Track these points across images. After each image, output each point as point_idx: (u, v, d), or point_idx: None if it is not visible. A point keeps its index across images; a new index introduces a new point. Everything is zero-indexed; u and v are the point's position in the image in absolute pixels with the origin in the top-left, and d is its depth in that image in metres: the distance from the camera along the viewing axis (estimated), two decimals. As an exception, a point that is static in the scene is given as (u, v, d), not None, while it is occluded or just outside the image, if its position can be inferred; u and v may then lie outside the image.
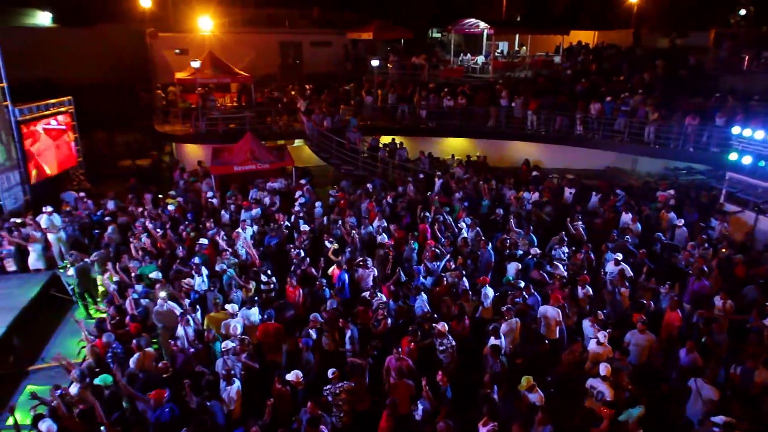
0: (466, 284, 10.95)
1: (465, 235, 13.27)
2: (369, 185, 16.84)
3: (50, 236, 13.74)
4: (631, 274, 11.06)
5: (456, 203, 15.64)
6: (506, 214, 14.78)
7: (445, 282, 11.19)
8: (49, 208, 13.88)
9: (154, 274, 11.09)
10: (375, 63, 21.51)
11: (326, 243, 12.72)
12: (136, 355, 8.58)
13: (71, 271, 12.52)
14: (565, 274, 11.28)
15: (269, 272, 11.30)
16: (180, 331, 9.40)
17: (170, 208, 14.85)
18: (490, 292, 10.56)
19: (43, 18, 29.50)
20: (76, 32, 26.18)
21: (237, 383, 7.96)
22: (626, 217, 13.96)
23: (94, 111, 24.17)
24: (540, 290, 10.64)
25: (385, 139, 20.37)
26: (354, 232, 13.11)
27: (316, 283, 10.84)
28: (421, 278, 11.42)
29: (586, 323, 9.54)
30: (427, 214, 14.16)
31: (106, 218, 14.80)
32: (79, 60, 24.96)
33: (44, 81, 22.86)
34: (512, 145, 21.44)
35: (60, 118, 17.92)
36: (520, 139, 20.99)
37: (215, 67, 20.80)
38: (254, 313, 9.86)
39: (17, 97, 17.26)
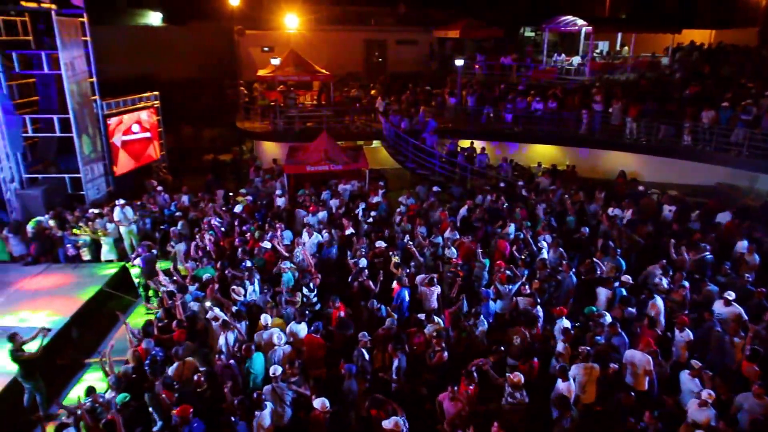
0: (540, 313, 9.66)
1: (544, 255, 11.87)
2: (433, 189, 15.78)
3: (122, 229, 13.94)
4: (746, 318, 9.21)
5: (538, 217, 14.21)
6: (594, 232, 13.18)
7: (516, 307, 10.01)
8: (122, 201, 14.11)
9: (207, 277, 10.75)
10: (459, 62, 20.32)
11: (390, 254, 11.88)
12: (175, 365, 8.16)
13: (139, 262, 12.57)
14: (662, 309, 9.64)
15: (311, 285, 10.56)
16: (222, 340, 8.90)
17: (238, 207, 14.63)
18: (566, 323, 9.17)
19: (154, 18, 31.05)
20: (172, 30, 27.26)
21: (269, 407, 7.29)
22: (740, 245, 11.90)
23: (184, 106, 25.06)
24: (628, 329, 9.10)
25: (465, 143, 19.15)
26: (426, 246, 12.13)
27: (372, 300, 9.97)
28: (490, 301, 10.22)
29: (685, 376, 7.93)
30: (508, 229, 12.90)
31: (177, 213, 14.87)
32: (174, 57, 25.89)
33: (143, 77, 23.84)
34: (606, 155, 19.41)
35: (145, 112, 18.40)
36: (616, 149, 18.93)
37: (296, 65, 20.60)
38: (302, 329, 9.16)
39: (117, 92, 17.99)
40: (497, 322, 10.22)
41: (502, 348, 8.67)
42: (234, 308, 9.63)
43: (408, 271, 11.13)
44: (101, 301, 12.12)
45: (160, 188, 16.10)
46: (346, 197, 16.30)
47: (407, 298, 10.42)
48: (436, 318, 9.35)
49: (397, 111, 19.98)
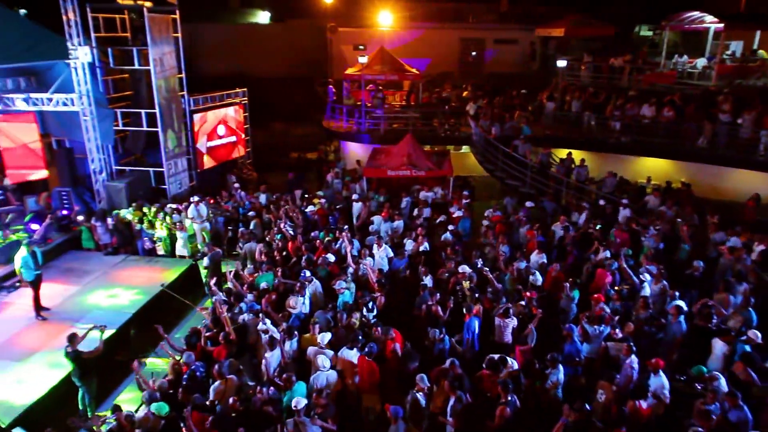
0: (635, 365, 8.01)
1: (647, 291, 10.06)
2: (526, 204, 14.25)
3: (195, 226, 13.86)
4: None
5: (644, 243, 12.27)
6: (711, 267, 11.08)
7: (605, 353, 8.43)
8: (196, 198, 14.04)
9: (264, 286, 10.17)
10: (562, 63, 18.49)
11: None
12: (216, 383, 7.56)
13: (206, 261, 12.36)
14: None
15: (372, 305, 9.57)
16: (269, 356, 8.20)
17: (310, 209, 14.04)
18: (664, 382, 7.49)
19: (263, 17, 31.80)
20: (269, 28, 27.59)
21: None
22: None
23: (276, 103, 25.24)
24: (750, 402, 7.23)
25: (562, 153, 17.32)
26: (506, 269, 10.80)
27: (434, 330, 8.83)
28: (577, 341, 8.68)
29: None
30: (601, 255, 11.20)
31: (250, 213, 14.59)
32: (269, 54, 26.18)
33: (238, 74, 24.27)
34: (733, 174, 16.67)
35: (232, 109, 18.47)
36: (746, 167, 16.19)
37: (384, 63, 19.79)
38: (353, 356, 8.24)
39: (211, 88, 18.29)
40: (585, 367, 8.69)
41: (587, 406, 7.20)
42: (284, 324, 8.93)
43: (482, 296, 9.87)
44: (165, 298, 12.01)
45: (236, 185, 15.95)
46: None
47: (477, 329, 9.18)
48: (509, 360, 8.03)
49: (489, 115, 18.54)
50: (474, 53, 26.64)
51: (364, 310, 9.61)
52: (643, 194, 15.46)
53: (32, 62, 13.76)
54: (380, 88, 21.48)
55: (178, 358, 8.40)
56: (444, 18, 26.55)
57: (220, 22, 27.94)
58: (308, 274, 10.47)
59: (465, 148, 20.24)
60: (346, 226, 12.86)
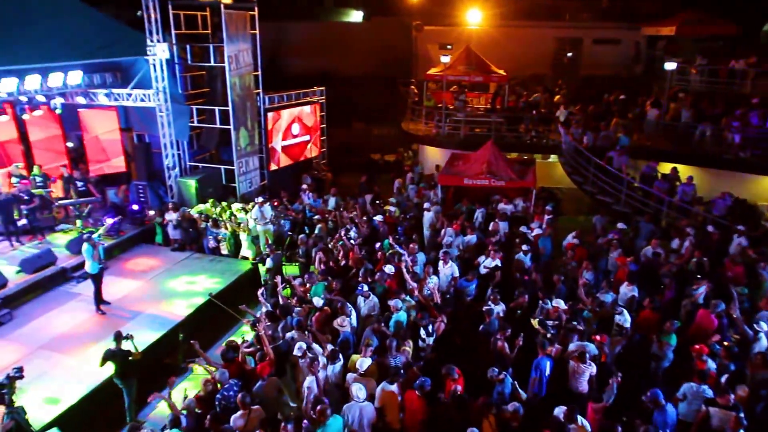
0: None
1: (763, 343, 8.24)
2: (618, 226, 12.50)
3: (258, 227, 13.50)
4: None
5: (762, 280, 10.29)
6: None
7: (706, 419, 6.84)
8: (260, 199, 13.67)
9: (316, 300, 9.43)
10: (671, 66, 16.33)
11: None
12: (238, 413, 6.89)
13: (269, 263, 11.90)
14: None
15: (431, 329, 8.52)
16: (307, 382, 7.43)
17: (377, 217, 13.19)
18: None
19: (356, 16, 31.56)
20: (355, 26, 27.15)
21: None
22: None
23: (358, 102, 24.77)
24: None
25: (665, 168, 15.24)
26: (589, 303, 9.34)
27: (492, 369, 7.63)
28: (668, 409, 7.12)
29: None
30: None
31: (316, 217, 14.03)
32: (354, 52, 25.74)
33: (321, 72, 24.05)
34: None
35: (308, 107, 18.08)
36: None
37: (469, 64, 18.59)
38: (394, 389, 7.25)
39: (293, 86, 18.08)
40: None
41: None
42: (330, 346, 8.11)
43: (556, 333, 8.54)
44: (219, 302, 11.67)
45: (304, 186, 15.46)
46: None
47: (548, 371, 7.88)
48: (580, 419, 6.70)
49: (581, 122, 16.78)
50: (570, 54, 24.62)
51: (422, 333, 8.64)
52: (763, 220, 13.19)
53: (117, 58, 13.99)
54: (464, 89, 20.28)
55: (213, 370, 7.85)
56: (538, 16, 24.70)
57: (312, 20, 27.90)
58: (365, 288, 9.66)
59: (553, 157, 18.59)
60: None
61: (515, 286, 10.52)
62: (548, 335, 8.28)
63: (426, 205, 14.15)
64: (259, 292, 9.65)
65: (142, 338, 10.20)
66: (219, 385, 7.46)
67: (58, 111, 13.69)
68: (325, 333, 8.80)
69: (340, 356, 7.97)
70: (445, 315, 9.20)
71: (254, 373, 7.74)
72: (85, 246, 10.88)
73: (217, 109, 14.98)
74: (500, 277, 10.75)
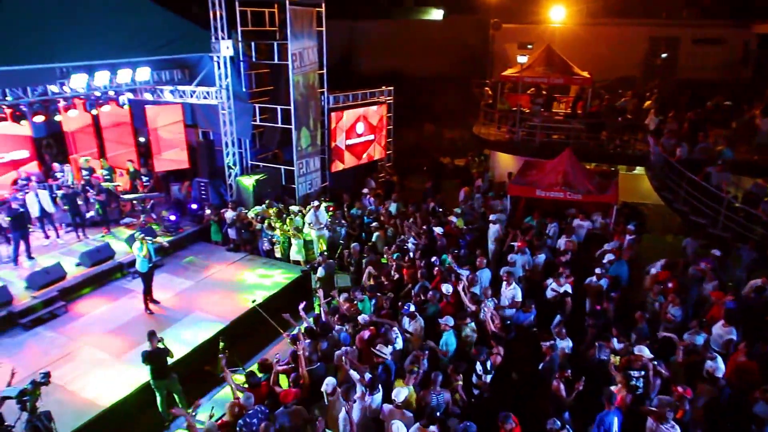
0: None
1: None
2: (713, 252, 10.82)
3: (313, 232, 12.96)
4: None
5: None
6: None
7: None
8: (316, 203, 13.12)
9: (362, 318, 8.68)
10: (788, 69, 14.17)
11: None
12: (254, 446, 6.24)
13: (320, 272, 11.31)
14: None
15: (489, 365, 7.50)
16: (342, 414, 6.68)
17: (437, 229, 12.25)
18: None
19: (436, 14, 30.64)
20: (431, 24, 26.19)
21: None
22: None
23: (429, 103, 23.87)
24: None
25: (775, 188, 13.18)
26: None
27: (553, 419, 6.52)
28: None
29: None
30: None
31: (373, 224, 13.31)
32: (428, 51, 24.81)
33: (392, 71, 23.35)
34: None
35: (375, 108, 17.39)
36: None
37: (549, 65, 17.17)
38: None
39: (363, 86, 17.54)
40: None
41: None
42: (368, 375, 7.32)
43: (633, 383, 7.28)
44: (268, 309, 11.19)
45: (365, 190, 14.75)
46: (580, 237, 12.65)
47: (617, 428, 6.67)
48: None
49: (675, 131, 14.96)
50: (664, 55, 22.35)
51: (478, 366, 7.67)
52: None
53: (183, 54, 13.94)
54: (542, 92, 18.85)
55: (240, 395, 7.27)
56: (630, 13, 22.55)
57: (388, 18, 27.23)
58: (412, 308, 8.81)
59: (638, 170, 16.81)
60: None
61: (586, 316, 9.35)
62: (632, 384, 7.05)
63: (492, 217, 13.02)
64: (300, 306, 8.97)
65: (188, 341, 9.94)
66: (243, 410, 6.87)
67: (125, 106, 13.84)
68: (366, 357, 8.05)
69: (380, 387, 7.16)
70: (502, 346, 8.16)
71: (281, 399, 7.07)
72: (136, 244, 10.76)
73: (279, 108, 14.60)
74: (570, 305, 9.56)
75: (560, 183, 13.57)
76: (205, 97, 13.95)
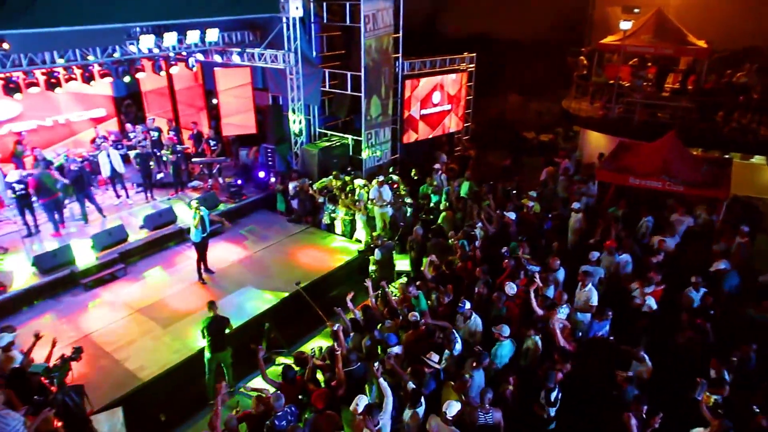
0: None
1: None
2: None
3: (375, 209, 12.17)
4: None
5: None
6: None
7: None
8: (381, 178, 12.26)
9: (412, 316, 7.81)
10: None
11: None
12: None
13: (377, 254, 10.54)
14: None
15: (554, 395, 6.39)
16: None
17: (509, 215, 11.00)
18: None
19: None
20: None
21: None
22: None
23: (515, 72, 22.02)
24: None
25: None
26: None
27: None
28: None
29: None
30: None
31: (442, 204, 12.30)
32: (521, 15, 22.70)
33: (479, 35, 21.66)
34: None
35: (453, 76, 16.05)
36: None
37: (657, 32, 14.93)
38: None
39: (444, 51, 16.27)
40: None
41: None
42: (412, 384, 6.49)
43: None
44: (318, 291, 10.64)
45: (437, 166, 13.66)
46: (678, 235, 10.93)
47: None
48: None
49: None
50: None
51: (542, 396, 6.60)
52: None
53: (252, 15, 13.32)
54: (647, 64, 16.60)
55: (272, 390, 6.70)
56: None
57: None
58: (467, 305, 7.82)
59: (758, 158, 14.43)
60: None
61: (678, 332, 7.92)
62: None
63: (575, 204, 11.51)
64: (348, 297, 8.22)
65: (237, 316, 9.59)
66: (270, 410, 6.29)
67: (194, 68, 13.54)
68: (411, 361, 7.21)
69: (423, 401, 6.31)
70: (569, 362, 7.02)
71: (312, 401, 6.42)
72: (190, 213, 10.47)
73: (348, 74, 13.70)
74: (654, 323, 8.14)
75: (659, 170, 11.75)
76: (272, 61, 13.33)
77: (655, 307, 8.25)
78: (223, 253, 11.89)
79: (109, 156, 12.92)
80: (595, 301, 8.30)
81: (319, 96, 14.21)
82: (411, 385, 6.44)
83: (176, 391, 8.44)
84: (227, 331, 8.18)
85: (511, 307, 8.27)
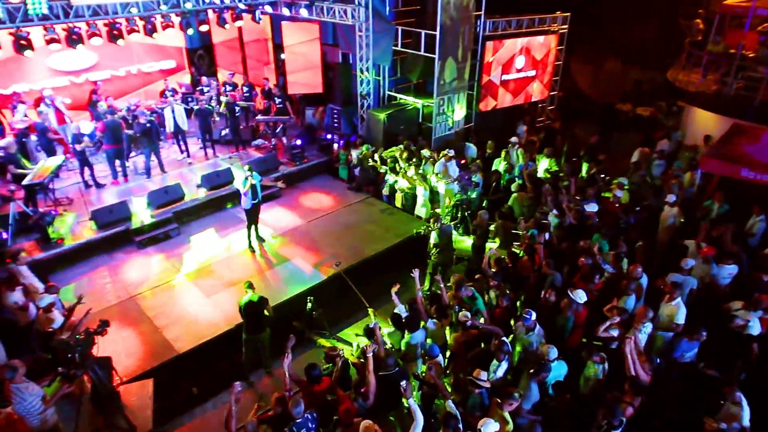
0: None
1: None
2: None
3: (440, 184, 11.16)
4: None
5: None
6: None
7: None
8: (451, 152, 11.16)
9: (464, 315, 6.89)
10: None
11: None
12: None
13: (433, 237, 9.61)
14: None
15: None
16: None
17: (589, 207, 9.60)
18: None
19: None
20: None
21: None
22: None
23: (617, 34, 19.60)
24: None
25: None
26: None
27: None
28: None
29: None
30: None
31: (514, 183, 11.05)
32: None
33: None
34: None
35: (542, 38, 14.31)
36: None
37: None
38: None
39: (530, 9, 14.59)
40: None
41: None
42: (452, 404, 5.66)
43: None
44: (365, 272, 9.93)
45: (514, 139, 12.32)
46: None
47: None
48: None
49: None
50: None
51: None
52: None
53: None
54: (779, 30, 14.00)
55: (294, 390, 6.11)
56: None
57: None
58: (533, 317, 6.79)
59: None
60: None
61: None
62: None
63: (670, 197, 9.89)
64: (393, 289, 7.39)
65: (281, 290, 9.16)
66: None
67: (260, 21, 12.85)
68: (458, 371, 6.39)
69: (459, 425, 5.48)
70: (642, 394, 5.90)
71: (340, 413, 5.75)
72: (240, 178, 9.98)
73: (423, 32, 12.46)
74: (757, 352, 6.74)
75: (783, 163, 9.88)
76: (342, 16, 12.35)
77: (759, 331, 6.87)
78: (276, 218, 11.46)
79: (173, 111, 12.68)
80: (682, 319, 7.00)
81: (391, 56, 13.10)
82: (451, 405, 5.62)
83: (210, 365, 8.15)
84: (266, 313, 7.67)
85: (578, 315, 7.17)
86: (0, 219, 9.72)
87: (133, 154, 12.98)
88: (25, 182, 10.19)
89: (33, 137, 11.95)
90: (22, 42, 9.49)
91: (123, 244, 10.52)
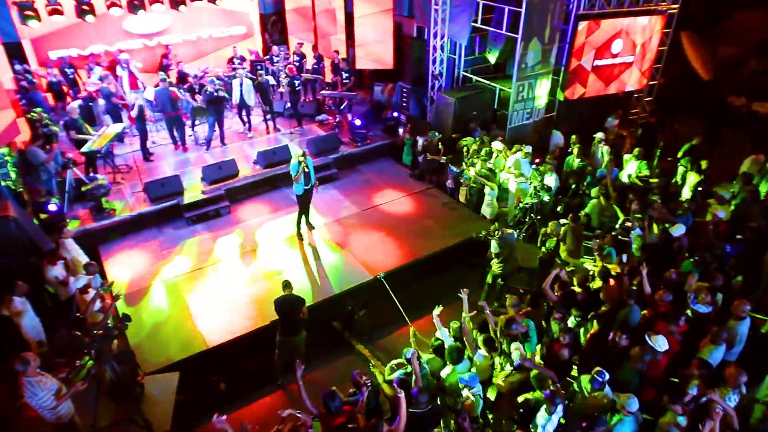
0: None
1: None
2: None
3: (511, 182, 10.07)
4: None
5: None
6: None
7: None
8: (528, 149, 9.99)
9: (515, 356, 5.97)
10: None
11: None
12: None
13: (493, 245, 8.59)
14: None
15: None
16: None
17: (676, 228, 8.14)
18: None
19: None
20: None
21: None
22: None
23: (738, 16, 17.08)
24: None
25: None
26: None
27: None
28: None
29: None
30: None
31: (594, 189, 9.75)
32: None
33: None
34: None
35: (644, 19, 12.45)
36: None
37: None
38: None
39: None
40: None
41: None
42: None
43: None
44: (411, 277, 9.12)
45: (599, 135, 10.89)
46: None
47: None
48: None
49: None
50: None
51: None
52: None
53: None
54: None
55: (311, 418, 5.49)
56: None
57: None
58: (606, 377, 5.67)
59: None
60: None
61: None
62: None
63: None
64: (435, 312, 6.54)
65: (323, 288, 8.58)
66: None
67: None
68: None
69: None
70: None
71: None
72: (292, 161, 9.35)
73: (506, 8, 11.09)
74: None
75: None
76: (417, -13, 11.28)
77: None
78: (329, 204, 10.85)
79: (241, 85, 12.22)
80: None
81: (469, 33, 11.83)
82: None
83: (240, 361, 7.76)
84: (302, 315, 7.10)
85: (654, 367, 6.05)
86: (58, 185, 9.77)
87: (197, 122, 12.77)
88: (83, 150, 10.15)
89: (101, 101, 11.94)
90: (84, 7, 9.25)
91: (173, 218, 10.33)
